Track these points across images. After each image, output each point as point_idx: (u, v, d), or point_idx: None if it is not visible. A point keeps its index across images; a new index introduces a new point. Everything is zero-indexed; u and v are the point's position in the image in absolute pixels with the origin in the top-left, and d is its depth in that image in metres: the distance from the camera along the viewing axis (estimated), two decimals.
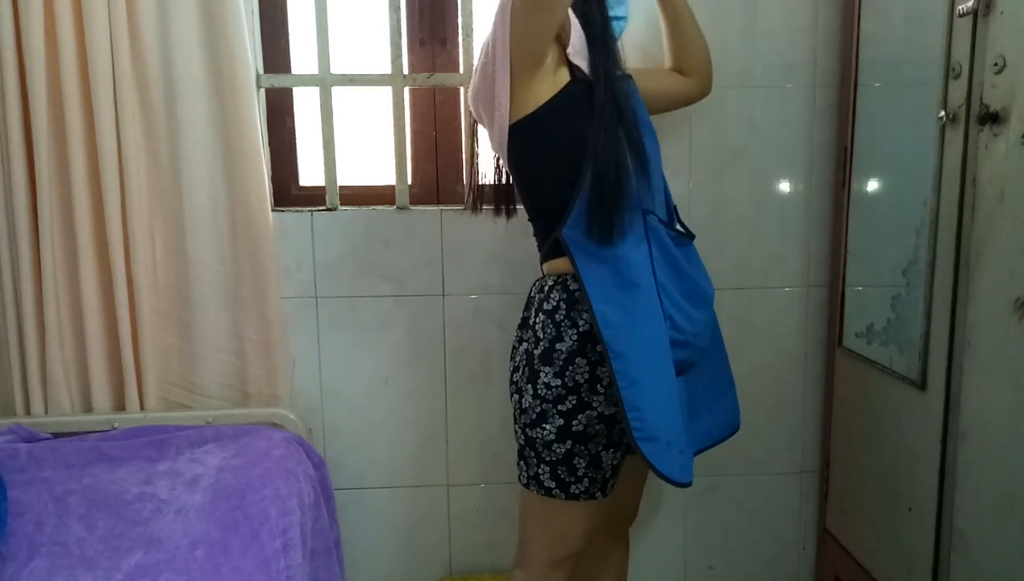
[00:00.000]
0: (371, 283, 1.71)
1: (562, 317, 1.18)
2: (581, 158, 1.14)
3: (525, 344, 1.23)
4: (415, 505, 1.79)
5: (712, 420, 1.35)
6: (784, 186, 1.73)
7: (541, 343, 1.19)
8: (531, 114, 1.16)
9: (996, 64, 1.12)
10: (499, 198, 1.49)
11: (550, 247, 1.22)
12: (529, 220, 1.31)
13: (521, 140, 1.18)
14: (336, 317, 1.71)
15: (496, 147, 1.24)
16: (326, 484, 1.61)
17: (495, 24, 1.15)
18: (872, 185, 1.55)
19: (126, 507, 1.33)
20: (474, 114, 1.30)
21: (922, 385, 1.32)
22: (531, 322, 1.23)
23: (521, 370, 1.22)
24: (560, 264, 1.21)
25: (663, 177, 1.31)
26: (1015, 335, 1.09)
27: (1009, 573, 1.12)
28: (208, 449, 1.49)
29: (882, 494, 1.49)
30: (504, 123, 1.17)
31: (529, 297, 1.30)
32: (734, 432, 1.40)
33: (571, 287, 1.18)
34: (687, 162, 1.70)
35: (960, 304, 1.22)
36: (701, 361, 1.30)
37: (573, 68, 1.19)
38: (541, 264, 1.28)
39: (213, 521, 1.27)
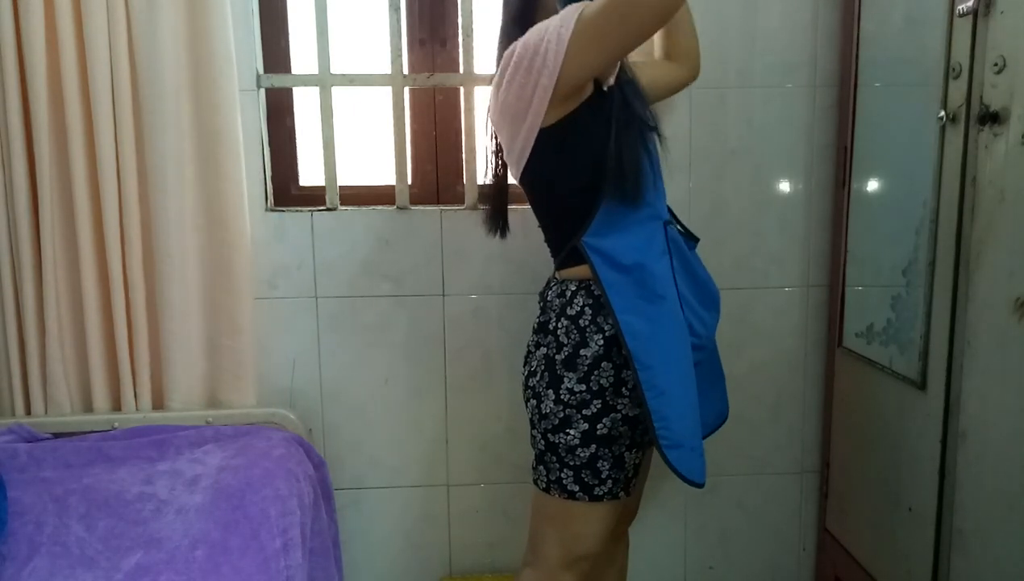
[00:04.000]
0: (371, 283, 1.71)
1: (587, 322, 1.16)
2: (601, 165, 1.14)
3: (544, 349, 1.21)
4: (415, 505, 1.79)
5: (707, 410, 1.35)
6: (784, 186, 1.73)
7: (565, 348, 1.17)
8: (554, 125, 1.14)
9: (996, 64, 1.12)
10: (496, 217, 1.42)
11: (569, 254, 1.20)
12: (540, 227, 1.29)
13: (543, 150, 1.16)
14: (336, 317, 1.71)
15: (514, 160, 1.20)
16: (326, 484, 1.61)
17: (542, 51, 1.08)
18: (872, 185, 1.55)
19: (126, 507, 1.33)
20: (494, 124, 1.25)
21: (922, 385, 1.32)
22: (551, 326, 1.20)
23: (539, 375, 1.20)
24: (582, 269, 1.19)
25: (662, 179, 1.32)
26: (1015, 335, 1.09)
27: (1009, 573, 1.12)
28: (208, 449, 1.49)
29: (882, 494, 1.49)
30: (531, 139, 1.14)
31: (545, 300, 1.26)
32: (724, 422, 1.43)
33: (596, 292, 1.17)
34: (687, 162, 1.70)
35: (960, 304, 1.22)
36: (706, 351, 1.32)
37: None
38: (556, 269, 1.26)
39: (213, 521, 1.27)
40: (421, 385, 1.75)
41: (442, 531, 1.80)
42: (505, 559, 1.81)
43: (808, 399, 1.80)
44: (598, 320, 1.16)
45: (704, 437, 1.35)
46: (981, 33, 1.15)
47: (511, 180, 1.35)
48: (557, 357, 1.18)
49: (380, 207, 1.70)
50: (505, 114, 1.17)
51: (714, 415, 1.39)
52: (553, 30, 1.07)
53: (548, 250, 1.29)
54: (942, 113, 1.23)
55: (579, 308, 1.18)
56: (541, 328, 1.23)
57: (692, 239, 1.35)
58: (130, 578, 1.16)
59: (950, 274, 1.23)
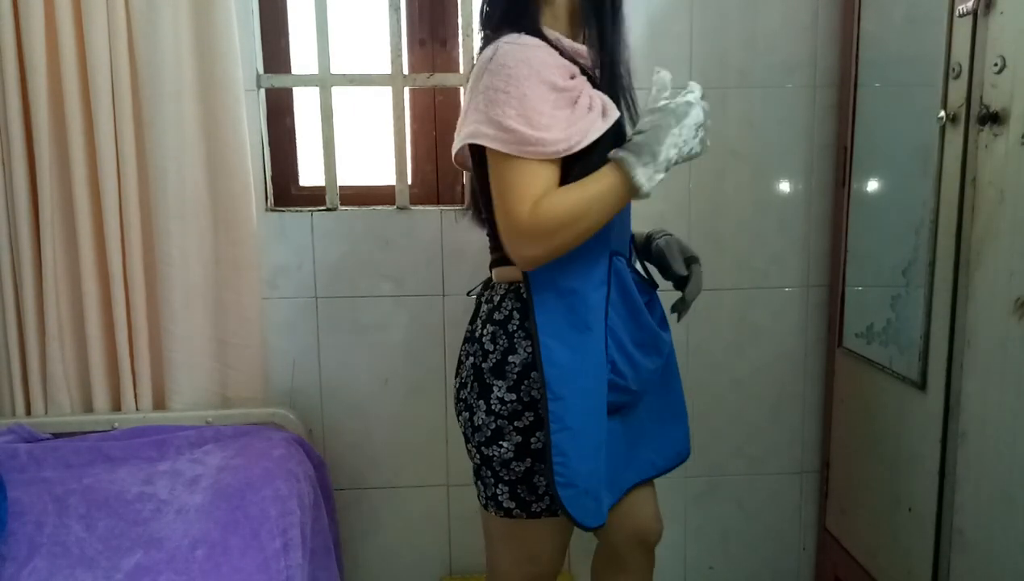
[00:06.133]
0: (371, 283, 1.71)
1: (515, 327, 1.11)
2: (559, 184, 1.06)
3: (472, 358, 1.15)
4: (415, 505, 1.79)
5: (656, 450, 1.29)
6: (784, 186, 1.73)
7: (492, 356, 1.11)
8: None
9: (996, 64, 1.12)
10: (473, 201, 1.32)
11: (505, 256, 1.12)
12: (485, 219, 1.21)
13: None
14: (336, 317, 1.71)
15: (456, 143, 1.12)
16: (326, 484, 1.61)
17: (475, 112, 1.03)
18: (872, 185, 1.55)
19: (126, 507, 1.33)
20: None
21: (922, 385, 1.32)
22: (478, 334, 1.15)
23: (469, 386, 1.14)
24: (514, 272, 1.13)
25: (628, 213, 1.23)
26: (1015, 335, 1.09)
27: (1009, 573, 1.12)
28: (208, 449, 1.49)
29: (882, 494, 1.49)
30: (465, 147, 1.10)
31: (476, 308, 1.22)
32: (682, 462, 1.35)
33: (525, 296, 1.11)
34: (687, 162, 1.69)
35: (960, 304, 1.22)
36: (649, 393, 1.24)
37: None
38: (491, 266, 1.20)
39: (213, 521, 1.27)
40: (421, 385, 1.75)
41: (442, 531, 1.80)
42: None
43: (808, 399, 1.80)
44: (527, 325, 1.10)
45: (654, 477, 1.29)
46: (981, 33, 1.15)
47: None
48: (484, 365, 1.12)
49: (380, 207, 1.70)
50: (463, 113, 1.11)
51: (669, 456, 1.31)
52: (481, 113, 1.02)
53: None
54: (942, 113, 1.23)
55: (507, 312, 1.12)
56: (469, 337, 1.18)
57: (651, 286, 1.26)
58: (130, 578, 1.16)
59: (950, 274, 1.23)
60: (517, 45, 1.03)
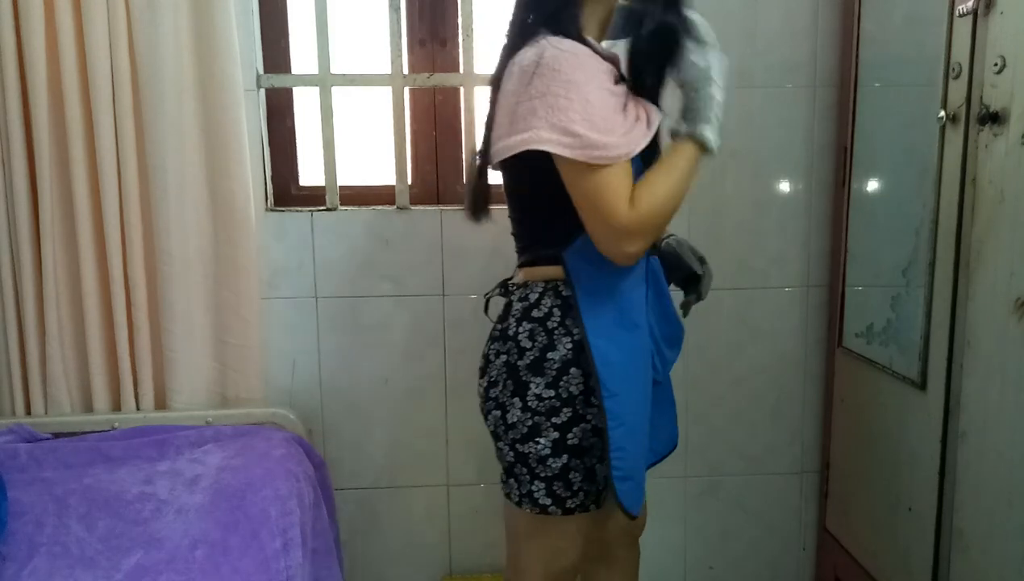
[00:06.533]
0: (371, 283, 1.71)
1: (556, 324, 1.11)
2: None
3: (504, 356, 1.14)
4: (415, 505, 1.79)
5: (658, 438, 1.30)
6: (784, 186, 1.73)
7: (529, 353, 1.11)
8: None
9: (996, 64, 1.12)
10: (478, 199, 1.26)
11: (542, 256, 1.14)
12: (511, 218, 1.20)
13: (540, 155, 1.03)
14: (336, 317, 1.71)
15: (497, 150, 1.08)
16: (326, 484, 1.61)
17: (532, 112, 1.00)
18: (872, 185, 1.55)
19: (126, 507, 1.33)
20: (494, 107, 1.13)
21: (922, 385, 1.32)
22: (511, 332, 1.14)
23: (502, 384, 1.14)
24: (551, 270, 1.13)
25: None
26: (1015, 335, 1.09)
27: (1009, 573, 1.12)
28: (208, 449, 1.49)
29: (882, 494, 1.49)
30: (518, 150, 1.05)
31: (507, 306, 1.19)
32: (674, 448, 1.35)
33: (564, 293, 1.11)
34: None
35: (960, 304, 1.22)
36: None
37: None
38: (521, 266, 1.19)
39: (213, 521, 1.27)
40: (421, 385, 1.75)
41: (442, 531, 1.80)
42: (505, 559, 1.80)
43: (808, 399, 1.80)
44: (567, 323, 1.10)
45: (653, 464, 1.31)
46: (981, 33, 1.15)
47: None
48: (520, 363, 1.11)
49: (380, 207, 1.70)
50: (504, 114, 1.07)
51: (666, 442, 1.33)
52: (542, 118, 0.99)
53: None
54: (942, 113, 1.23)
55: (547, 310, 1.12)
56: (501, 335, 1.16)
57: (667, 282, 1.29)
58: (130, 578, 1.16)
59: (950, 274, 1.23)
60: (566, 51, 1.01)
